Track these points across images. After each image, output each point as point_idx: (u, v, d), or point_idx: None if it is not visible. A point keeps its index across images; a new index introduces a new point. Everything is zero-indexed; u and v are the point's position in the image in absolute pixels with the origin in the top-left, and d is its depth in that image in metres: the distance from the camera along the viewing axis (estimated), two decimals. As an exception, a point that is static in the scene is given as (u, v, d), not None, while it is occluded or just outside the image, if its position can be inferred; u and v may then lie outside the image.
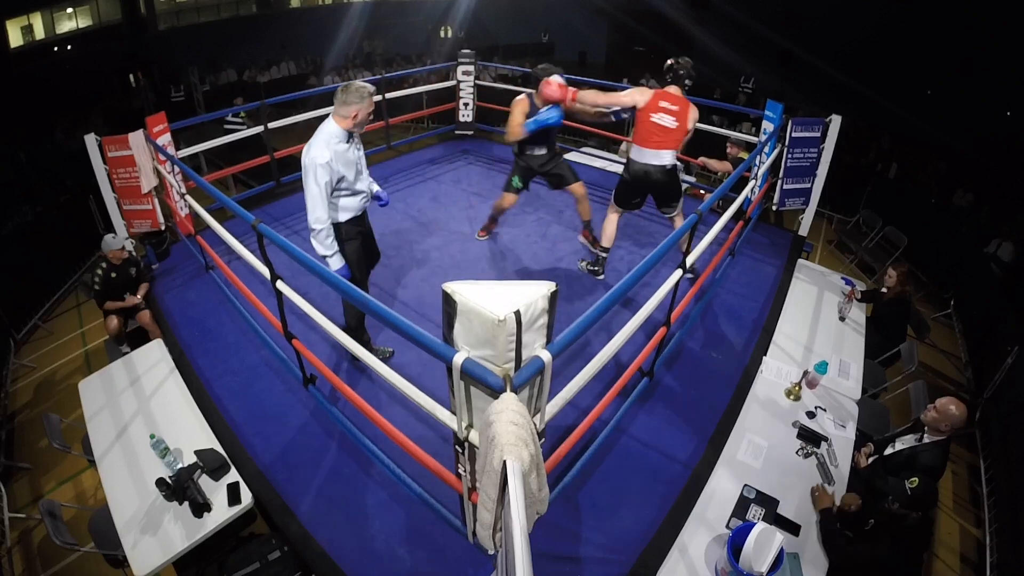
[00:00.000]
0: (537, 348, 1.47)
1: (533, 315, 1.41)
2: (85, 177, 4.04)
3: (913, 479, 2.12)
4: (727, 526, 2.15)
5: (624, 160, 5.70)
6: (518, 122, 3.45)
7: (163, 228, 3.89)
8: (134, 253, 3.58)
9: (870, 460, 2.58)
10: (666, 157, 3.26)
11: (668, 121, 3.17)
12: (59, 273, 5.45)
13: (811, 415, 2.69)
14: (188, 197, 3.62)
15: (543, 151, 3.71)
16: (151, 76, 11.16)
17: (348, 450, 2.49)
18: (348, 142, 2.47)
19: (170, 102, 9.71)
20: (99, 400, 2.79)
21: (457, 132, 6.20)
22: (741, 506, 2.23)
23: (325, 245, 2.51)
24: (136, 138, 3.54)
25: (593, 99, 3.26)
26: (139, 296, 3.46)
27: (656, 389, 2.84)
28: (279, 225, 4.34)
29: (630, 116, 3.32)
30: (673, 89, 3.19)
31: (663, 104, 3.17)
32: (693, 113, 3.21)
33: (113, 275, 3.36)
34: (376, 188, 2.80)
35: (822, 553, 2.08)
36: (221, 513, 2.21)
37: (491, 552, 1.53)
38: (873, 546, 2.02)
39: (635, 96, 3.21)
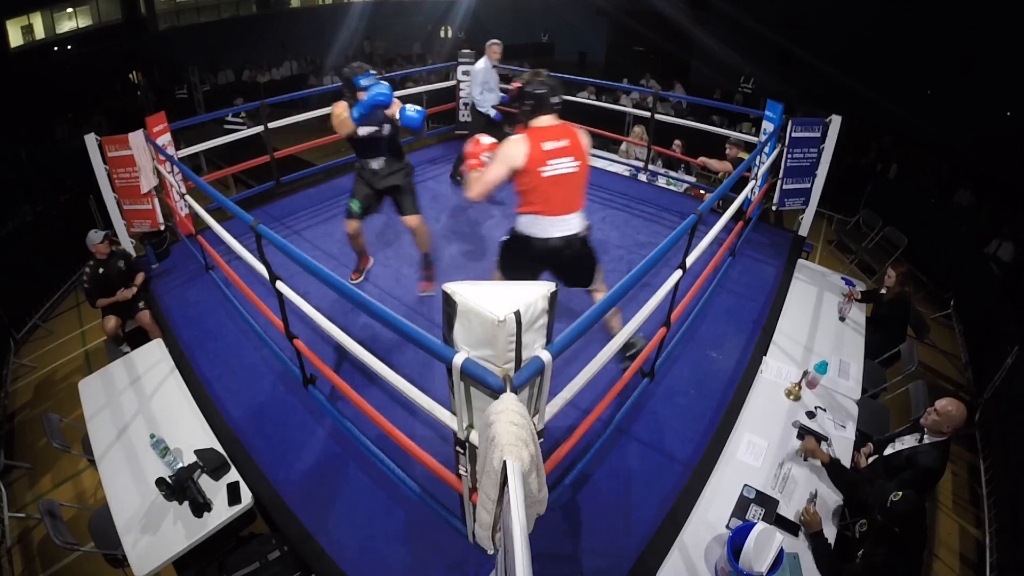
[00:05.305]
0: (537, 348, 1.47)
1: (533, 315, 1.41)
2: (85, 177, 4.04)
3: (898, 492, 1.96)
4: (727, 526, 2.15)
5: (625, 160, 5.77)
6: (342, 115, 2.81)
7: (163, 228, 3.89)
8: (121, 246, 3.54)
9: (870, 460, 2.58)
10: (574, 222, 2.41)
11: (567, 165, 2.29)
12: (59, 273, 5.46)
13: (811, 415, 2.69)
14: (188, 197, 3.62)
15: (379, 163, 3.09)
16: (151, 76, 11.16)
17: (348, 450, 2.49)
18: None
19: (174, 98, 9.73)
20: (99, 400, 2.79)
21: (457, 132, 6.19)
22: (741, 506, 2.23)
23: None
24: (136, 138, 3.55)
25: (479, 189, 2.35)
26: (135, 287, 3.42)
27: (656, 389, 2.85)
28: (279, 225, 4.34)
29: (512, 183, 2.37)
30: (549, 119, 2.32)
31: (549, 145, 2.26)
32: (585, 139, 2.39)
33: (101, 271, 3.36)
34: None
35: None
36: (221, 513, 2.21)
37: (490, 552, 1.53)
38: (867, 561, 1.98)
39: (509, 157, 2.26)
